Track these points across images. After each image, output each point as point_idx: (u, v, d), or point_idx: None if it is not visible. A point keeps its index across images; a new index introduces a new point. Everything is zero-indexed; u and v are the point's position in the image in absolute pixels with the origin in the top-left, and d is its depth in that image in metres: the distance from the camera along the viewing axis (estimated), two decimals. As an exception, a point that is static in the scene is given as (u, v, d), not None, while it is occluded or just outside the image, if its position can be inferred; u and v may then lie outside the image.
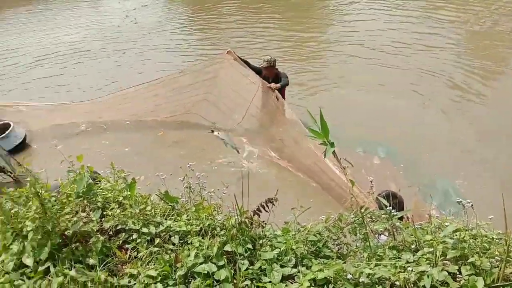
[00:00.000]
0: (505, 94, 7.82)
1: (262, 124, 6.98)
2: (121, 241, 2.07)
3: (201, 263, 1.86)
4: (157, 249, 2.00)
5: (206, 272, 1.82)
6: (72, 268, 1.86)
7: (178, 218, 2.25)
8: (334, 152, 1.79)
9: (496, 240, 1.84)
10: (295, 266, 1.89)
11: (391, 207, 2.05)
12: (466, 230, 1.84)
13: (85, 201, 2.20)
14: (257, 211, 2.22)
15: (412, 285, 1.63)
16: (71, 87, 10.19)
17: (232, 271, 1.85)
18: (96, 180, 2.47)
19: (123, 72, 10.78)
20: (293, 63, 9.95)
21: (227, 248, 1.93)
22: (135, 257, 1.99)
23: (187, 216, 2.27)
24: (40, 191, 2.01)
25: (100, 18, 16.72)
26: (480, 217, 1.91)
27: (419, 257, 1.78)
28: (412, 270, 1.66)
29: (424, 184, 5.72)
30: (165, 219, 2.23)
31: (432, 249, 1.76)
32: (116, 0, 18.69)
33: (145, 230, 2.09)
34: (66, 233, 2.01)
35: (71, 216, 2.07)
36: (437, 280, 1.61)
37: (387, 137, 6.75)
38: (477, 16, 11.65)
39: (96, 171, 2.46)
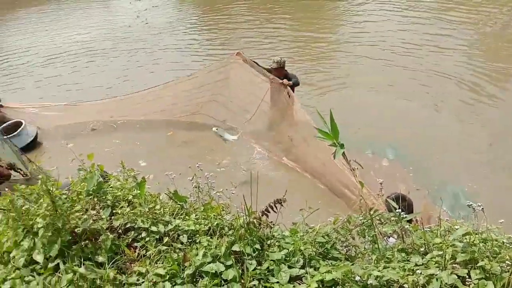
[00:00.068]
0: (518, 97, 7.73)
1: (272, 122, 6.95)
2: (130, 239, 2.09)
3: (209, 263, 1.87)
4: (166, 247, 2.01)
5: (214, 271, 1.83)
6: (82, 265, 1.88)
7: (187, 217, 2.26)
8: (343, 154, 1.78)
9: (507, 245, 1.82)
10: (303, 267, 1.89)
11: (400, 210, 2.04)
12: (476, 234, 1.82)
13: (95, 199, 2.22)
14: (265, 212, 2.22)
15: (420, 288, 1.62)
16: (83, 86, 10.29)
17: (240, 271, 1.85)
18: (106, 179, 2.49)
19: (134, 71, 10.86)
20: (303, 63, 9.93)
21: (235, 248, 1.93)
22: (144, 256, 2.00)
23: (196, 215, 2.28)
24: (51, 189, 2.04)
25: (112, 18, 16.85)
26: (491, 221, 1.89)
27: (428, 260, 1.77)
28: (421, 273, 1.65)
29: (433, 187, 5.67)
30: (174, 218, 2.24)
31: (442, 252, 1.75)
32: (128, 1, 18.83)
33: (154, 228, 2.11)
34: (76, 230, 2.03)
35: (81, 213, 2.10)
36: (446, 283, 1.59)
37: (397, 139, 6.70)
38: (488, 18, 11.52)
39: (105, 170, 2.48)
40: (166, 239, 2.06)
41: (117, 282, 1.82)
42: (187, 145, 7.15)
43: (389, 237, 2.17)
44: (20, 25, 17.35)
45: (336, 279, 1.75)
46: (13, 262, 1.95)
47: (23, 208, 2.10)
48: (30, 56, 13.21)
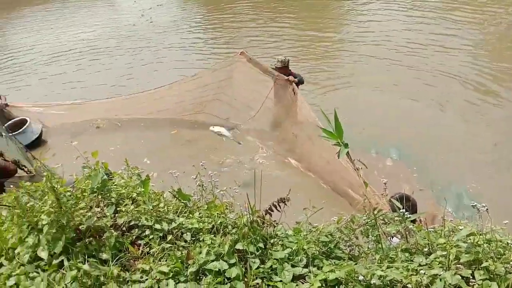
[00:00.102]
0: (523, 97, 7.69)
1: (277, 119, 6.95)
2: (134, 237, 2.09)
3: (212, 261, 1.87)
4: (169, 245, 2.01)
5: (217, 269, 1.83)
6: (86, 262, 1.89)
7: (191, 215, 2.26)
8: (348, 153, 1.78)
9: (511, 246, 1.81)
10: (306, 266, 1.89)
11: (404, 210, 2.03)
12: (480, 235, 1.81)
13: (100, 197, 2.23)
14: (269, 211, 2.22)
15: (424, 288, 1.62)
16: (87, 84, 10.33)
17: (243, 269, 1.85)
18: (110, 176, 2.50)
19: (138, 69, 10.89)
20: (307, 62, 9.92)
21: (239, 246, 1.94)
22: (148, 253, 2.01)
23: (199, 213, 2.28)
24: (56, 186, 2.05)
25: (116, 16, 16.90)
26: (495, 221, 1.89)
27: (432, 260, 1.76)
28: (424, 273, 1.65)
29: (437, 187, 5.65)
30: (178, 216, 2.24)
31: (445, 252, 1.74)
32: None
33: (157, 226, 2.11)
34: (80, 227, 2.04)
35: (85, 211, 2.10)
36: (450, 283, 1.59)
37: (401, 139, 6.69)
38: (493, 18, 11.46)
39: (109, 168, 2.49)
40: (169, 237, 2.06)
41: (121, 279, 1.83)
42: (191, 144, 7.16)
43: (392, 237, 2.17)
44: (25, 23, 17.43)
45: (339, 278, 1.75)
46: (18, 258, 1.96)
47: (28, 205, 2.11)
48: (34, 54, 13.27)
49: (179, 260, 1.89)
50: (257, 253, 1.93)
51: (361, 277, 1.70)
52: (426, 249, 1.89)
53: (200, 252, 1.91)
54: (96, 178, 2.20)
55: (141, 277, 1.84)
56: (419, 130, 6.94)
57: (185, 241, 2.07)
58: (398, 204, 2.09)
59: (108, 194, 2.25)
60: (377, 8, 13.43)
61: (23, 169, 6.06)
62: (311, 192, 5.59)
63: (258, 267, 1.86)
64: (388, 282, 1.69)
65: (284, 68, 6.50)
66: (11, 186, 2.33)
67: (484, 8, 12.13)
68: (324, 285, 1.75)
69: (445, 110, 7.52)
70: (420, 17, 12.12)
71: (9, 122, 7.48)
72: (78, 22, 16.56)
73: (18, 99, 9.25)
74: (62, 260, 1.92)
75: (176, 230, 2.13)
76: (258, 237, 2.00)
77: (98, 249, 1.99)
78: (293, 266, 1.88)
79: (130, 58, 11.79)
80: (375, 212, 2.04)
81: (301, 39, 11.64)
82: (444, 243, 1.83)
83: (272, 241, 2.03)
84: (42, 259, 1.93)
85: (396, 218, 2.10)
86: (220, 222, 2.14)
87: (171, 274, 1.84)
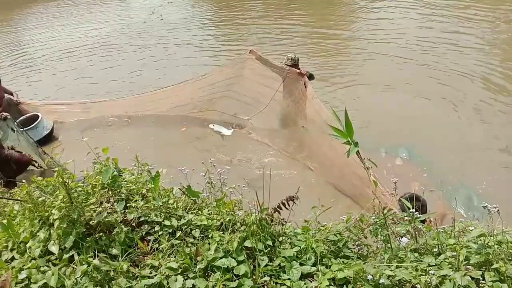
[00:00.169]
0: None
1: (286, 114, 6.93)
2: (143, 233, 2.11)
3: (221, 258, 1.88)
4: (178, 242, 2.03)
5: (226, 266, 1.84)
6: (96, 257, 1.91)
7: (200, 212, 2.28)
8: (358, 152, 1.77)
9: (522, 247, 1.80)
10: (314, 264, 1.89)
11: (414, 210, 2.02)
12: (491, 236, 1.80)
13: (110, 192, 2.25)
14: (277, 209, 2.22)
15: (433, 289, 1.61)
16: (98, 79, 10.40)
17: (252, 267, 1.86)
18: (120, 173, 2.52)
19: (148, 65, 10.94)
20: (317, 59, 9.88)
21: (247, 243, 1.94)
22: (157, 249, 2.02)
23: (208, 210, 2.30)
24: (67, 181, 2.07)
25: (127, 13, 16.98)
26: (506, 223, 1.86)
27: (441, 261, 1.75)
28: (433, 274, 1.64)
29: (447, 187, 5.60)
30: (187, 212, 2.26)
31: (455, 253, 1.73)
32: (143, -4, 18.98)
33: (167, 222, 2.13)
34: (90, 222, 2.06)
35: (96, 206, 2.13)
36: (460, 285, 1.58)
37: (411, 138, 6.63)
38: (506, 16, 11.30)
39: (118, 166, 2.51)
40: (179, 233, 2.08)
41: (130, 275, 1.85)
42: (200, 141, 7.17)
43: (402, 237, 2.16)
44: (38, 19, 17.60)
45: (347, 277, 1.75)
46: (29, 252, 1.99)
47: (39, 199, 2.14)
48: (46, 49, 13.40)
49: (188, 257, 1.90)
50: (266, 251, 1.94)
51: (369, 277, 1.70)
52: (435, 250, 1.88)
53: (209, 249, 1.93)
54: (106, 173, 2.22)
55: (150, 273, 1.86)
56: (430, 130, 6.86)
57: (194, 237, 2.08)
58: (408, 203, 2.07)
59: (118, 190, 2.27)
60: (388, 5, 13.31)
61: (33, 165, 6.15)
62: (320, 190, 5.58)
63: (266, 265, 1.87)
64: (397, 282, 1.69)
65: (293, 66, 6.48)
66: (23, 181, 2.37)
67: (496, 7, 11.96)
68: (332, 284, 1.75)
69: (458, 109, 7.40)
70: (432, 15, 11.98)
71: (22, 118, 7.55)
72: (90, 19, 16.69)
73: (30, 94, 9.40)
74: (73, 255, 1.94)
75: (185, 226, 2.14)
76: (266, 235, 2.00)
77: (108, 244, 2.01)
78: (301, 264, 1.88)
79: (141, 55, 11.84)
80: (385, 211, 2.03)
81: (311, 36, 11.59)
82: (454, 243, 1.82)
83: (280, 239, 2.04)
84: (53, 253, 1.96)
85: (405, 218, 2.09)
86: (229, 219, 2.15)
87: (180, 270, 1.85)
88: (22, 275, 1.84)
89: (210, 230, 2.12)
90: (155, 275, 1.83)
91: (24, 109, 7.98)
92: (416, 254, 1.89)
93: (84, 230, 2.03)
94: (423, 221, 2.20)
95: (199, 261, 1.89)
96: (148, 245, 2.05)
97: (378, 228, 2.09)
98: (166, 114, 7.93)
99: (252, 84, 7.10)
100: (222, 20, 14.48)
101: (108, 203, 2.19)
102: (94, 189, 2.25)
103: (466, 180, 5.72)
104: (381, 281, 1.68)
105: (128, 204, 2.22)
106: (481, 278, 1.62)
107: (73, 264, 1.90)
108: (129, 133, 7.62)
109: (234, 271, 1.83)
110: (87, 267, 1.82)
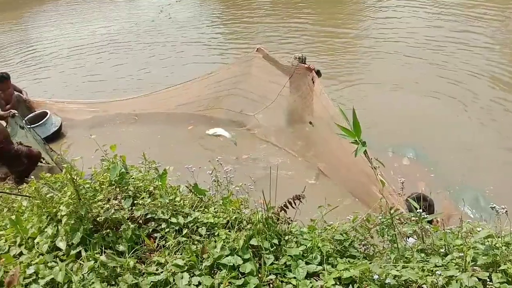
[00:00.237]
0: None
1: (293, 110, 6.91)
2: (150, 230, 2.12)
3: (227, 255, 1.89)
4: (185, 239, 2.04)
5: (231, 264, 1.84)
6: (103, 253, 1.92)
7: (206, 210, 2.28)
8: (365, 152, 1.76)
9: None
10: (320, 263, 1.89)
11: (421, 210, 2.01)
12: (498, 237, 1.78)
13: (117, 189, 2.26)
14: (283, 207, 2.22)
15: (439, 290, 1.60)
16: (106, 77, 10.45)
17: (257, 265, 1.86)
18: (127, 170, 2.54)
19: (157, 63, 10.97)
20: (325, 58, 9.83)
21: (253, 242, 1.95)
22: (163, 246, 2.03)
23: (215, 208, 2.30)
24: (75, 178, 2.09)
25: (136, 12, 17.05)
26: (513, 225, 1.85)
27: (448, 262, 1.74)
28: (440, 274, 1.63)
29: (455, 187, 5.55)
30: (193, 210, 2.26)
31: (462, 254, 1.72)
32: (151, -5, 19.05)
33: (173, 220, 2.14)
34: (98, 219, 2.08)
35: (103, 203, 2.15)
36: (467, 285, 1.57)
37: (419, 138, 6.57)
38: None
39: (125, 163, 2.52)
40: (185, 231, 2.09)
41: (137, 271, 1.86)
42: (206, 140, 7.18)
43: (408, 237, 2.15)
44: (48, 17, 17.74)
45: (353, 277, 1.75)
46: (37, 248, 2.01)
47: (47, 196, 2.17)
48: (55, 47, 13.50)
49: (194, 254, 1.91)
50: (272, 249, 1.94)
51: (375, 276, 1.70)
52: (442, 250, 1.87)
53: (215, 247, 1.93)
54: (114, 171, 2.23)
55: (157, 270, 1.87)
56: (438, 129, 6.80)
57: (200, 235, 2.09)
58: (415, 204, 2.06)
59: (125, 187, 2.28)
60: (396, 4, 13.23)
61: (41, 161, 6.21)
62: (327, 190, 5.56)
63: (272, 263, 1.87)
64: (403, 282, 1.68)
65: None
66: (32, 177, 2.39)
67: (506, 5, 11.82)
68: (338, 283, 1.75)
69: (467, 109, 7.31)
70: (440, 14, 11.89)
71: (30, 115, 7.63)
72: (99, 17, 16.79)
73: (38, 91, 9.47)
74: (80, 251, 1.96)
75: (191, 224, 2.15)
76: (272, 234, 2.00)
77: (115, 241, 2.02)
78: (307, 263, 1.88)
79: (149, 53, 11.89)
80: (392, 211, 2.02)
81: (319, 35, 11.55)
82: (461, 244, 1.81)
83: (286, 237, 2.04)
84: (60, 249, 1.98)
85: (412, 218, 2.08)
86: (235, 218, 2.16)
87: (186, 267, 1.86)
88: (30, 270, 1.85)
89: (216, 228, 2.12)
90: (161, 272, 1.83)
91: (33, 106, 8.06)
92: (422, 255, 1.88)
93: (92, 226, 2.05)
94: (430, 222, 2.19)
95: (205, 259, 1.89)
96: (154, 242, 2.06)
97: (384, 228, 2.08)
98: (173, 112, 7.95)
99: (259, 82, 7.09)
100: (230, 19, 14.49)
101: (116, 200, 2.20)
102: (102, 186, 2.26)
103: (474, 181, 5.66)
104: (387, 281, 1.67)
105: (135, 201, 2.23)
106: (488, 280, 1.61)
107: (80, 260, 1.91)
108: (136, 131, 7.66)
109: (240, 269, 1.84)
110: (94, 263, 1.83)
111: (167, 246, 2.01)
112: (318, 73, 6.42)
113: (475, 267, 1.66)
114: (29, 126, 6.56)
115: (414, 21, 11.63)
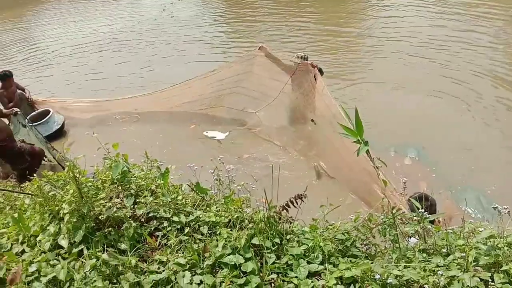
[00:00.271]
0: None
1: (295, 108, 6.90)
2: (152, 228, 2.12)
3: (228, 254, 1.89)
4: (187, 238, 2.04)
5: (233, 263, 1.85)
6: (105, 251, 1.92)
7: (208, 209, 2.28)
8: (367, 151, 1.76)
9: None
10: (322, 263, 1.88)
11: (423, 210, 2.01)
12: (500, 237, 1.78)
13: (119, 188, 2.27)
14: (285, 207, 2.22)
15: (441, 290, 1.60)
16: (108, 75, 10.48)
17: (259, 264, 1.86)
18: (129, 169, 2.54)
19: (159, 61, 11.00)
20: (327, 56, 9.82)
21: (255, 241, 1.95)
22: (165, 245, 2.04)
23: (217, 207, 2.30)
24: (78, 176, 2.09)
25: (138, 10, 17.08)
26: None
27: (450, 262, 1.74)
28: (442, 274, 1.63)
29: (457, 187, 5.54)
30: (195, 209, 2.27)
31: (464, 254, 1.72)
32: (154, -6, 19.06)
33: (175, 218, 2.14)
34: (100, 217, 2.08)
35: (105, 201, 2.15)
36: (468, 286, 1.57)
37: (421, 138, 6.55)
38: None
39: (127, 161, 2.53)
40: (187, 230, 2.09)
41: (139, 270, 1.86)
42: (208, 138, 7.19)
43: (410, 237, 2.15)
44: (51, 16, 17.79)
45: (355, 276, 1.75)
46: (40, 246, 2.02)
47: (50, 194, 2.17)
48: (58, 45, 13.54)
49: (196, 253, 1.91)
50: (273, 249, 1.94)
51: (377, 276, 1.69)
52: (444, 250, 1.87)
53: (217, 246, 1.93)
54: (116, 169, 2.24)
55: (158, 268, 1.87)
56: (441, 129, 6.78)
57: (202, 234, 2.09)
58: (417, 203, 2.06)
59: (127, 186, 2.29)
60: (399, 3, 13.20)
61: (43, 160, 6.24)
62: (329, 189, 5.56)
63: (273, 262, 1.87)
64: (405, 282, 1.68)
65: (303, 64, 6.45)
66: (34, 175, 2.40)
67: (510, 5, 11.77)
68: (339, 282, 1.75)
69: (471, 109, 7.29)
70: (443, 13, 11.85)
71: (33, 113, 7.66)
72: (101, 16, 16.84)
73: (41, 89, 9.50)
74: (82, 249, 1.96)
75: (193, 223, 2.15)
76: (274, 233, 2.00)
77: (117, 239, 2.02)
78: (308, 262, 1.88)
79: (151, 51, 11.90)
80: (394, 211, 2.02)
81: (321, 34, 11.54)
82: (463, 244, 1.80)
83: (288, 237, 2.04)
84: (62, 247, 1.98)
85: (414, 218, 2.08)
86: (237, 217, 2.16)
87: (188, 266, 1.86)
88: (32, 268, 1.86)
89: (218, 227, 2.13)
90: (163, 271, 1.84)
91: (35, 104, 8.08)
92: (424, 255, 1.87)
93: (94, 224, 2.05)
94: (432, 222, 2.19)
95: (207, 258, 1.90)
96: (156, 240, 2.06)
97: (386, 227, 2.08)
98: (175, 111, 7.96)
99: (261, 80, 7.08)
100: (232, 17, 14.49)
101: (118, 198, 2.21)
102: (104, 185, 2.27)
103: (476, 181, 5.65)
104: (388, 281, 1.67)
105: (137, 200, 2.24)
106: (490, 280, 1.61)
107: (82, 258, 1.92)
108: (138, 130, 7.67)
109: (241, 268, 1.84)
110: (96, 261, 1.84)
111: (169, 244, 2.02)
112: (320, 71, 6.41)
113: (477, 268, 1.66)
114: (31, 125, 6.58)
115: (417, 20, 11.60)
